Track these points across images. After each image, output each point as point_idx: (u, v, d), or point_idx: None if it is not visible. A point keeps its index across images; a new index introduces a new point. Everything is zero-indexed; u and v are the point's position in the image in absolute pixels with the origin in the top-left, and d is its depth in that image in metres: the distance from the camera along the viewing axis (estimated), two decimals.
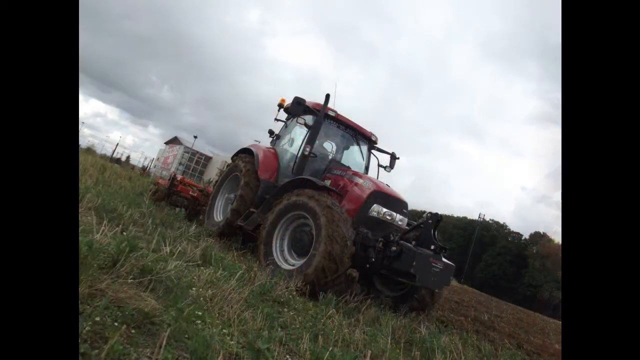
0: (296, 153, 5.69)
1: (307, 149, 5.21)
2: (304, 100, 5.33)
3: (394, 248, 4.27)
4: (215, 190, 6.61)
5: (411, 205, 5.88)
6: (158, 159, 52.70)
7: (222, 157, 47.28)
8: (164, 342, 1.61)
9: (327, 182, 5.20)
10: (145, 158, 45.55)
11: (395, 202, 5.00)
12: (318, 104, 5.50)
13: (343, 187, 5.08)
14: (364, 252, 4.40)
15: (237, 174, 6.07)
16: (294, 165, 5.53)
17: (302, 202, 4.37)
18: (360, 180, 5.07)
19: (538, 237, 69.78)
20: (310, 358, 2.08)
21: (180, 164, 46.51)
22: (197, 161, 48.31)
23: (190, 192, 7.46)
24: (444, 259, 4.43)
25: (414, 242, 4.49)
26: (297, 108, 5.24)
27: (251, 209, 5.42)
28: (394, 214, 4.90)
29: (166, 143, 56.40)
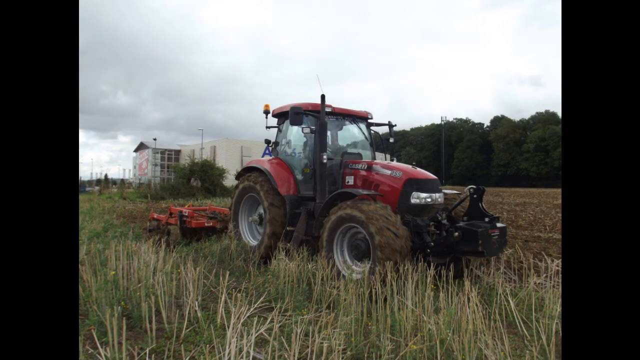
0: (301, 152, 5.86)
1: (324, 157, 5.16)
2: (301, 109, 5.25)
3: (456, 234, 4.31)
4: (233, 212, 6.47)
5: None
6: (134, 167, 55.00)
7: (189, 146, 49.85)
8: None
9: (351, 179, 5.29)
10: (124, 170, 46.51)
11: (428, 183, 4.93)
12: (315, 105, 5.49)
13: (370, 182, 5.10)
14: (419, 240, 4.45)
15: (254, 195, 6.01)
16: (308, 170, 5.62)
17: (348, 215, 4.40)
18: (387, 172, 5.01)
19: (497, 121, 78.05)
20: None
21: (154, 165, 49.74)
22: (169, 157, 50.45)
23: (206, 223, 6.96)
24: (497, 224, 4.49)
25: (465, 217, 4.59)
26: (297, 118, 5.18)
27: (288, 228, 5.45)
28: (433, 194, 4.86)
29: (135, 151, 58.52)
